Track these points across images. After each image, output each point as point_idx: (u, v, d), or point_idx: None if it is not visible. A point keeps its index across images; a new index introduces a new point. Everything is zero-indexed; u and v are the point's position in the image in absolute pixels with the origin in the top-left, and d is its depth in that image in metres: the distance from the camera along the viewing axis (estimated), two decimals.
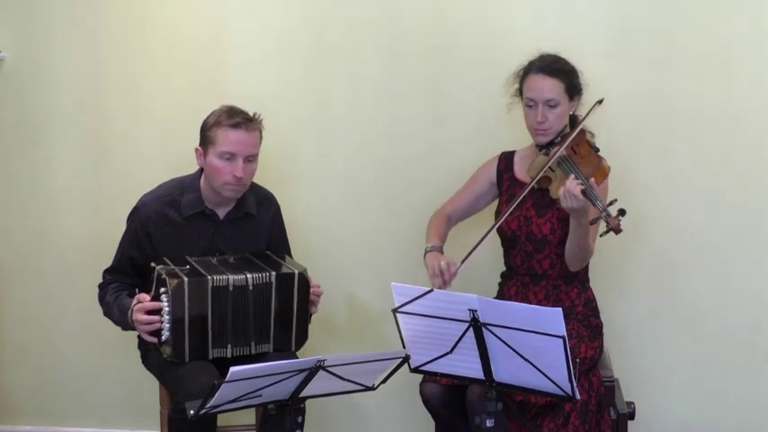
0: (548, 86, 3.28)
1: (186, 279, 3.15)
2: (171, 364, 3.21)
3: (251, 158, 3.31)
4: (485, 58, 3.73)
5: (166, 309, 3.15)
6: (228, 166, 3.27)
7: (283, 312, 3.28)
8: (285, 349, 3.30)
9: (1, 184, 4.10)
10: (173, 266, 3.23)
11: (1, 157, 4.09)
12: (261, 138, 3.35)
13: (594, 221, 3.10)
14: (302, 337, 3.34)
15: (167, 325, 3.16)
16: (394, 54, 3.81)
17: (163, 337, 3.19)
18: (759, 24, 3.60)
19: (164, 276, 3.16)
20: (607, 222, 3.04)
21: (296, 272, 3.28)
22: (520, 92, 3.37)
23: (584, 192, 3.07)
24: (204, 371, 3.15)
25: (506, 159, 3.49)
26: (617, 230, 3.04)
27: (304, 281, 3.29)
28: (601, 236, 3.10)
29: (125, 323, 3.30)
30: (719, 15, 3.61)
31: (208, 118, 3.34)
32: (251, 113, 3.32)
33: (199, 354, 3.20)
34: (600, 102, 3.26)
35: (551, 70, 3.29)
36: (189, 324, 3.16)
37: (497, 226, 3.30)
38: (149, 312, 3.19)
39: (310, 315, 3.38)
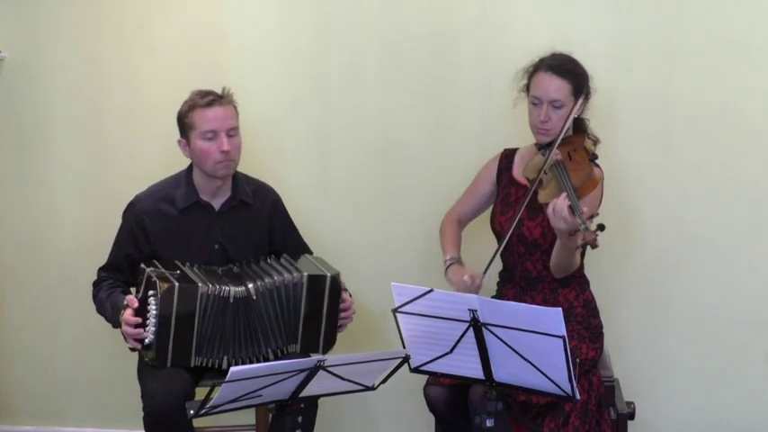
0: (554, 86, 3.23)
1: (177, 284, 3.12)
2: (150, 366, 3.19)
3: (232, 132, 3.32)
4: (486, 57, 3.73)
5: (153, 312, 3.13)
6: (214, 145, 3.28)
7: (312, 314, 3.28)
8: (313, 351, 3.30)
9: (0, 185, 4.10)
10: (163, 270, 3.21)
11: (0, 158, 4.09)
12: (237, 112, 3.36)
13: (573, 233, 3.00)
14: (330, 340, 3.33)
15: (152, 329, 3.13)
16: (395, 52, 3.81)
17: (146, 341, 3.16)
18: (759, 25, 3.60)
19: (154, 279, 3.14)
20: (583, 236, 2.95)
21: (328, 274, 3.27)
22: (527, 88, 3.33)
23: (570, 207, 3.00)
24: (176, 376, 3.14)
25: (507, 158, 3.47)
26: (593, 245, 2.94)
27: (336, 284, 3.29)
28: (576, 248, 3.03)
29: (115, 321, 3.27)
30: (719, 16, 3.61)
31: (181, 108, 3.36)
32: (219, 90, 3.34)
33: (180, 360, 3.17)
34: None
35: (561, 70, 3.24)
36: (174, 329, 3.13)
37: (510, 230, 3.25)
38: (136, 315, 3.17)
39: (340, 325, 3.36)
